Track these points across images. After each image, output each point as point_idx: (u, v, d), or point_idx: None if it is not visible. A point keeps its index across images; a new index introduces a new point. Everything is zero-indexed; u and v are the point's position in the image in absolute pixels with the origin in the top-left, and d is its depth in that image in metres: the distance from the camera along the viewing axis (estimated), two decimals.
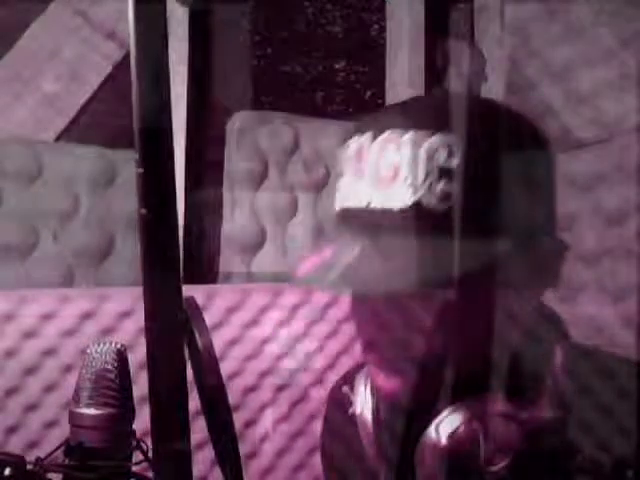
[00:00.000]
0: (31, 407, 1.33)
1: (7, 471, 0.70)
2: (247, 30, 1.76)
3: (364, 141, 0.70)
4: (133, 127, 0.55)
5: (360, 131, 0.72)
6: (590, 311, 1.59)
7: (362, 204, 0.68)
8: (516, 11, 1.85)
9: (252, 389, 1.46)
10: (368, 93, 1.89)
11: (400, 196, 0.66)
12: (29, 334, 1.33)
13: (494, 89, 1.93)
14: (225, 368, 1.39)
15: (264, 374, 1.47)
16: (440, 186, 0.65)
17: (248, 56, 1.76)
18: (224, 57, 1.71)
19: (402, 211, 0.66)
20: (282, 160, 1.69)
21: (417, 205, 0.65)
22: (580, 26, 1.69)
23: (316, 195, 1.73)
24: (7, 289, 1.40)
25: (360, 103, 1.88)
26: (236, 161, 1.65)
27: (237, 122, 1.66)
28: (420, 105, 0.72)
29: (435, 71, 1.92)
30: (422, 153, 0.65)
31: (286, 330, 1.49)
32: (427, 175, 0.65)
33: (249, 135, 1.66)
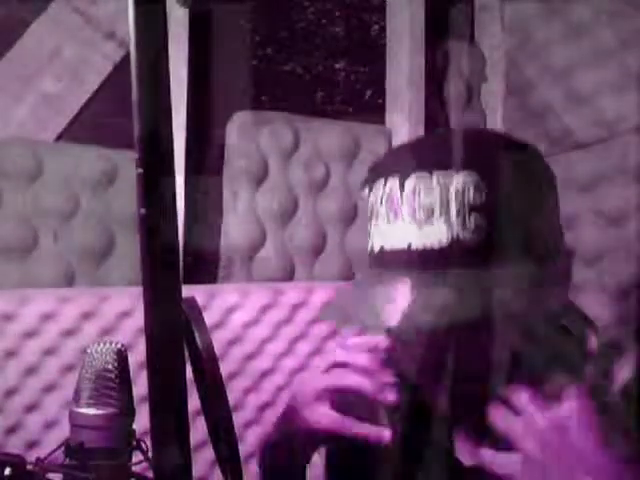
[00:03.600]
0: (31, 407, 1.33)
1: (7, 471, 0.70)
2: (247, 30, 1.76)
3: (392, 186, 0.75)
4: (133, 127, 0.55)
5: (383, 175, 0.76)
6: (590, 311, 1.59)
7: (403, 245, 0.73)
8: (516, 11, 1.85)
9: (252, 389, 1.46)
10: (368, 93, 1.89)
11: (438, 234, 0.72)
12: (29, 334, 1.33)
13: (494, 89, 1.93)
14: (225, 368, 1.39)
15: (264, 374, 1.47)
16: (472, 220, 0.71)
17: (248, 56, 1.76)
18: (224, 57, 1.71)
19: (442, 248, 0.71)
20: (282, 160, 1.69)
21: (454, 241, 0.71)
22: (580, 26, 1.69)
23: (316, 195, 1.73)
24: (7, 289, 1.41)
25: (360, 103, 1.88)
26: (236, 161, 1.65)
27: (237, 122, 1.66)
28: (438, 143, 0.78)
29: (435, 71, 1.92)
30: (452, 193, 0.72)
31: (286, 330, 1.49)
32: (459, 212, 0.71)
33: (249, 135, 1.66)
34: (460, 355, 0.75)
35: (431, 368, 0.78)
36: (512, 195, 0.73)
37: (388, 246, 0.75)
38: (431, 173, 0.72)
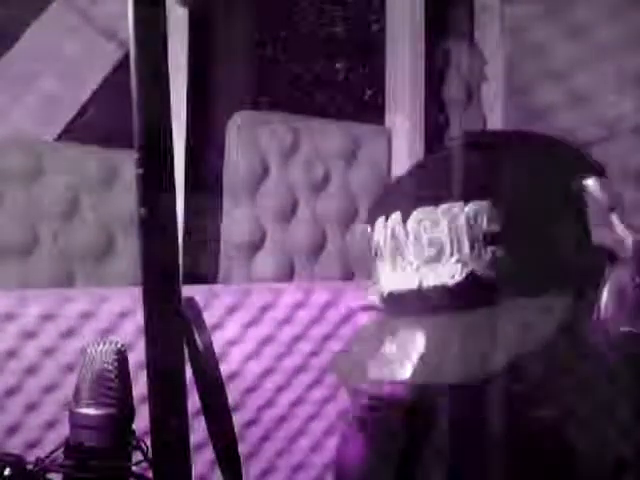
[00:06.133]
0: (31, 407, 1.33)
1: (7, 471, 0.70)
2: (247, 30, 1.75)
3: (393, 223, 0.68)
4: (133, 127, 0.55)
5: (384, 212, 0.69)
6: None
7: (413, 286, 0.66)
8: (516, 11, 1.85)
9: (252, 389, 1.46)
10: (368, 93, 1.88)
11: (451, 272, 0.64)
12: (29, 334, 1.33)
13: (494, 89, 1.93)
14: (225, 368, 1.39)
15: (264, 374, 1.47)
16: (488, 251, 0.63)
17: (248, 56, 1.76)
18: (224, 57, 1.71)
19: (457, 285, 0.64)
20: (282, 160, 1.69)
21: (470, 276, 0.64)
22: (580, 26, 1.69)
23: (316, 195, 1.73)
24: (7, 289, 1.40)
25: (360, 103, 1.88)
26: (236, 161, 1.65)
27: (237, 122, 1.66)
28: (441, 171, 0.69)
29: (435, 71, 1.92)
30: (462, 224, 0.64)
31: (286, 330, 1.49)
32: (473, 245, 0.64)
33: (249, 135, 1.66)
34: (486, 408, 0.67)
35: (458, 424, 0.70)
36: (533, 217, 0.64)
37: (396, 289, 0.68)
38: (437, 206, 0.65)
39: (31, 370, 1.33)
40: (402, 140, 1.79)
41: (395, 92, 1.83)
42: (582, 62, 1.68)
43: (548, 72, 1.76)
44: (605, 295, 0.64)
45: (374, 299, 0.74)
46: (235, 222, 1.65)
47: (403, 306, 0.68)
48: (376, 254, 0.71)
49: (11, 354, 1.32)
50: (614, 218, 0.66)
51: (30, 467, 0.72)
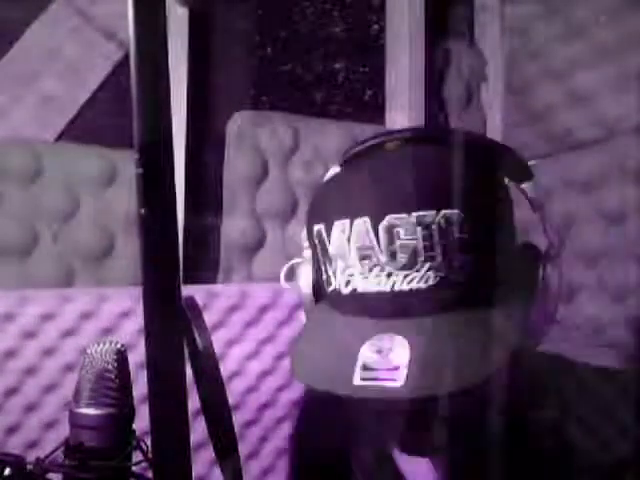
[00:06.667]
0: (31, 407, 1.33)
1: (7, 471, 0.70)
2: (247, 30, 1.76)
3: (361, 227, 0.68)
4: (133, 127, 0.55)
5: (347, 215, 0.69)
6: (590, 311, 1.59)
7: (386, 288, 0.67)
8: (516, 11, 1.85)
9: (252, 389, 1.46)
10: (368, 93, 1.88)
11: (423, 277, 0.66)
12: (29, 334, 1.33)
13: (494, 89, 1.93)
14: (225, 368, 1.39)
15: (264, 374, 1.47)
16: (459, 260, 0.66)
17: (248, 56, 1.76)
18: (224, 57, 1.71)
19: (429, 290, 0.66)
20: (282, 160, 1.69)
21: (443, 282, 0.65)
22: (580, 26, 1.69)
23: None
24: (7, 289, 1.40)
25: (360, 103, 1.88)
26: (236, 161, 1.65)
27: (237, 122, 1.66)
28: (412, 180, 0.69)
29: (435, 71, 1.92)
30: (435, 232, 0.65)
31: (285, 330, 1.49)
32: (445, 252, 0.65)
33: (249, 135, 1.66)
34: (458, 410, 0.68)
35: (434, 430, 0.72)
36: (494, 225, 0.68)
37: (368, 289, 0.68)
38: (409, 214, 0.66)
39: (31, 370, 1.33)
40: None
41: (395, 92, 1.83)
42: (582, 62, 1.68)
43: (548, 72, 1.76)
44: (541, 293, 0.67)
45: (305, 295, 0.76)
46: (235, 222, 1.65)
47: (370, 307, 0.68)
48: (334, 255, 0.70)
49: (11, 354, 1.32)
50: (545, 220, 0.70)
51: (30, 467, 0.72)
